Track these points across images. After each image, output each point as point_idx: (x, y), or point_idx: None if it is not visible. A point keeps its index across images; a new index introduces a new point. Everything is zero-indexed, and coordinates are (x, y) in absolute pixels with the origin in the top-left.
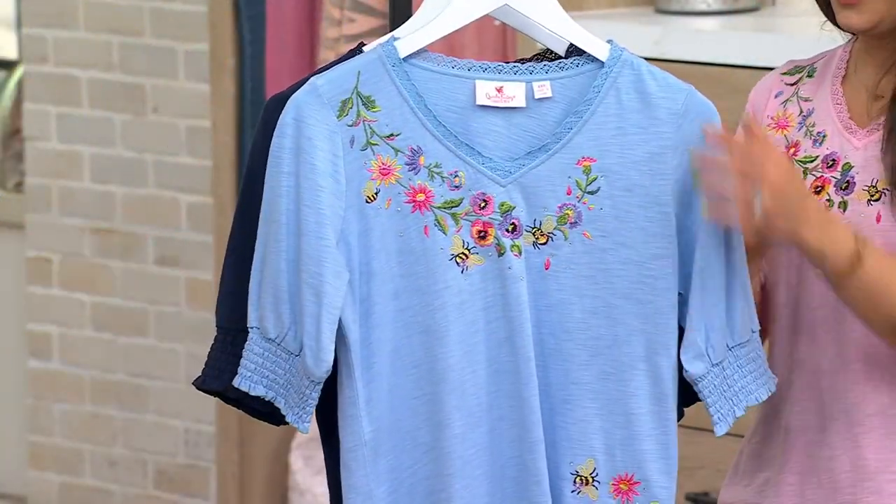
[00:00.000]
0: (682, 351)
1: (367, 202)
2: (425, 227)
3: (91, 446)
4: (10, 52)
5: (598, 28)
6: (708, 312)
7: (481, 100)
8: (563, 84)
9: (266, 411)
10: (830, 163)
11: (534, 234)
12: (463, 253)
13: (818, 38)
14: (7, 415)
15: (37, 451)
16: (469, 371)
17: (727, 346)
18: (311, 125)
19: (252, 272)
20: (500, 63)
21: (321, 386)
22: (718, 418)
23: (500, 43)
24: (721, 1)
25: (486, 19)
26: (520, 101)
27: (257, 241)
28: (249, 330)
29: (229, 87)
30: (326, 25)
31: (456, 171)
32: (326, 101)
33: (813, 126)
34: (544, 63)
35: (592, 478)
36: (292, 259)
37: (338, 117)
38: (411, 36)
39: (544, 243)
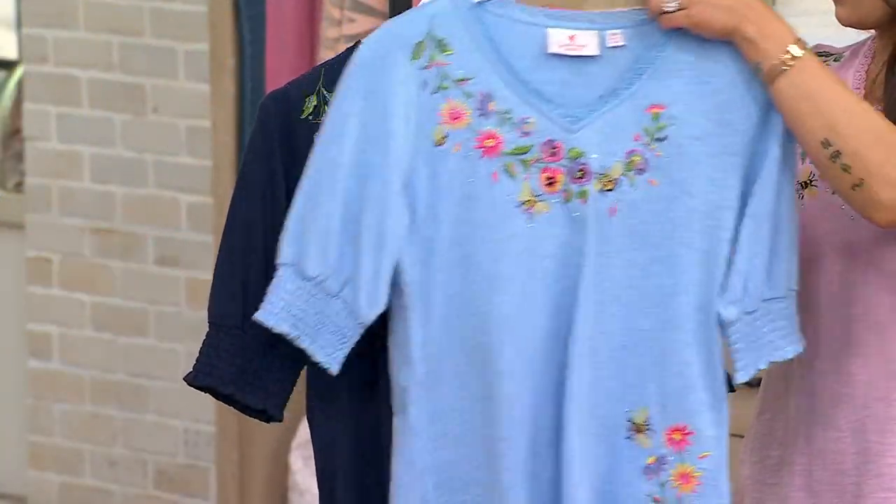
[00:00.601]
0: (717, 292)
1: (435, 146)
2: (494, 172)
3: (91, 446)
4: (10, 52)
5: None
6: (751, 261)
7: (553, 48)
8: (635, 32)
9: (258, 409)
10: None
11: (601, 181)
12: (530, 199)
13: (818, 38)
14: (7, 415)
15: (37, 451)
16: (527, 319)
17: (763, 297)
18: (382, 67)
19: (293, 210)
20: (571, 11)
21: (363, 329)
22: (742, 366)
23: None
24: None
25: None
26: (592, 50)
27: (305, 179)
28: (280, 266)
29: (229, 87)
30: (326, 25)
31: (526, 118)
32: (400, 43)
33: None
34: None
35: (646, 426)
36: (351, 200)
37: (411, 59)
38: None
39: (611, 189)
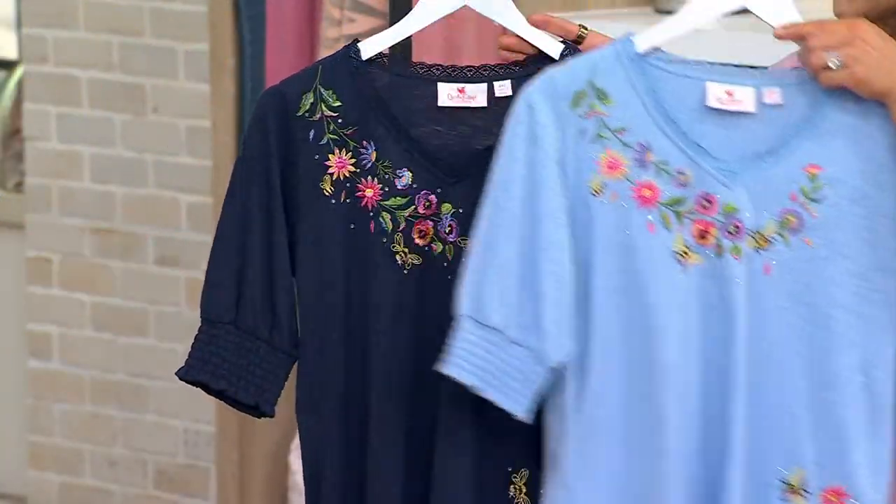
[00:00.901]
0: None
1: (592, 194)
2: (650, 223)
3: (91, 446)
4: (10, 52)
5: (598, 28)
6: None
7: (712, 102)
8: (792, 90)
9: (250, 404)
10: None
11: (755, 238)
12: (684, 251)
13: None
14: (7, 415)
15: (37, 451)
16: (683, 370)
17: None
18: (544, 113)
19: (471, 260)
20: (730, 65)
21: (551, 373)
22: None
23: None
24: None
25: (486, 20)
26: (749, 106)
27: (481, 230)
28: (461, 318)
29: (229, 87)
30: (326, 25)
31: (682, 169)
32: (561, 90)
33: None
34: (771, 69)
35: (802, 488)
36: (527, 246)
37: (570, 107)
38: (648, 33)
39: (765, 248)
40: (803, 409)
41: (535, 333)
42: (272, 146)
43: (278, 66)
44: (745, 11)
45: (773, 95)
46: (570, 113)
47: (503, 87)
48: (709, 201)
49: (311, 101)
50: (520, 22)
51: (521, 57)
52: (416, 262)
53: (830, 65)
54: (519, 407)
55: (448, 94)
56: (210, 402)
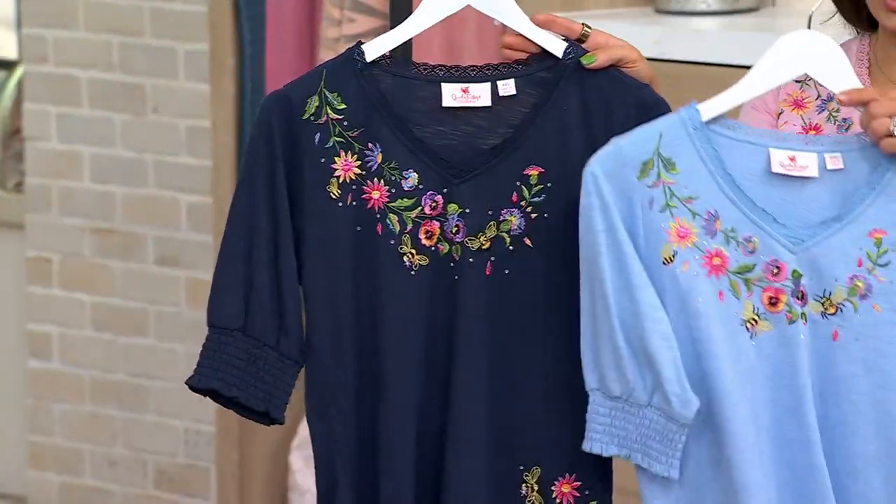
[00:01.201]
0: None
1: (663, 264)
2: (720, 291)
3: (91, 446)
4: (10, 52)
5: (597, 28)
6: None
7: (776, 167)
8: (854, 156)
9: (261, 411)
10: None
11: (822, 304)
12: (753, 318)
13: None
14: (7, 415)
15: (37, 451)
16: (754, 437)
17: None
18: (611, 183)
19: (583, 336)
20: (789, 133)
21: (689, 428)
22: None
23: (500, 44)
24: (721, 1)
25: (487, 19)
26: (812, 172)
27: (584, 304)
28: (590, 392)
29: (229, 87)
30: (326, 25)
31: (750, 237)
32: (629, 161)
33: (837, 112)
34: (830, 136)
35: None
36: (625, 313)
37: (638, 177)
38: (712, 102)
39: (833, 314)
40: (874, 475)
41: (660, 395)
42: (277, 150)
43: (278, 66)
44: (744, 12)
45: (835, 161)
46: (638, 183)
47: (507, 86)
48: (778, 268)
49: (317, 104)
50: (522, 20)
51: (524, 56)
52: (423, 262)
53: (894, 132)
54: (669, 468)
55: (452, 95)
56: (210, 402)
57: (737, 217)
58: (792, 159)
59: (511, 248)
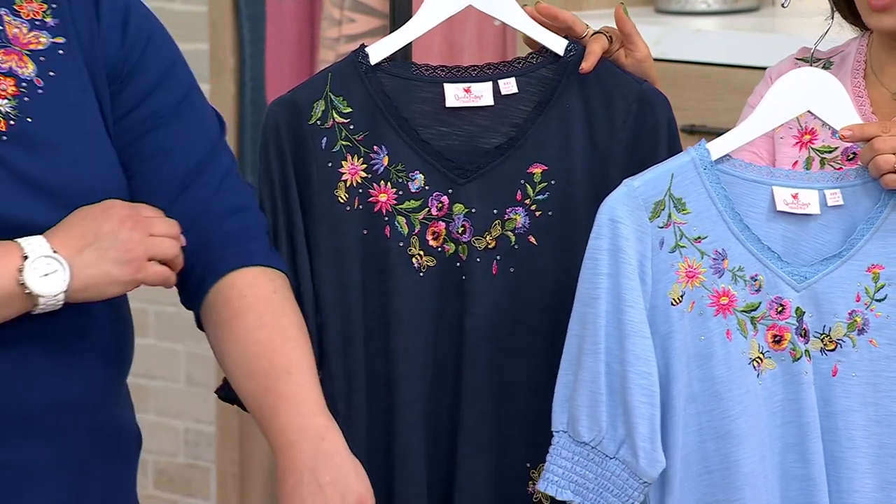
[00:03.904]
0: None
1: (672, 304)
2: (727, 330)
3: None
4: None
5: (598, 28)
6: None
7: (780, 206)
8: (853, 191)
9: None
10: (851, 155)
11: (822, 340)
12: (759, 357)
13: (817, 38)
14: None
15: None
16: (762, 477)
17: None
18: (626, 226)
19: (560, 375)
20: (791, 171)
21: (648, 488)
22: None
23: (500, 43)
24: (721, 1)
25: (486, 20)
26: (814, 209)
27: (569, 345)
28: (555, 433)
29: (229, 87)
30: (326, 25)
31: (756, 275)
32: (641, 202)
33: None
34: (832, 171)
35: None
36: (613, 360)
37: (650, 218)
38: (721, 141)
39: (832, 350)
40: None
41: (628, 448)
42: (286, 155)
43: (278, 66)
44: (744, 12)
45: (834, 197)
46: (649, 224)
47: (508, 85)
48: (782, 306)
49: (323, 108)
50: (524, 19)
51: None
52: (430, 263)
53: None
54: None
55: (455, 95)
56: (211, 402)
57: (744, 256)
58: (794, 196)
59: (516, 246)
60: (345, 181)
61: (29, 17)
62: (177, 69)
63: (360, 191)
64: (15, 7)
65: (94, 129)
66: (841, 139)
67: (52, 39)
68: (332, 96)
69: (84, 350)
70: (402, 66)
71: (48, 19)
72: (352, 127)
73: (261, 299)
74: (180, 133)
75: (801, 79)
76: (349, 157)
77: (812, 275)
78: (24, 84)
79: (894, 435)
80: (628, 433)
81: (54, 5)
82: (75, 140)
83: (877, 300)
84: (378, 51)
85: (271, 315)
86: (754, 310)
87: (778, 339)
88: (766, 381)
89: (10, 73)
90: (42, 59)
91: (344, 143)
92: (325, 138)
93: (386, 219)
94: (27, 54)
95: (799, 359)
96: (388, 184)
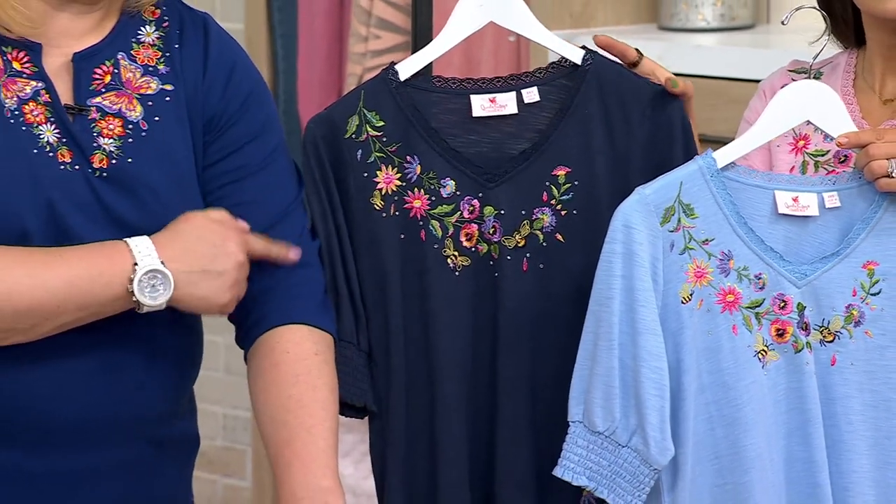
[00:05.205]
0: None
1: (682, 303)
2: (733, 325)
3: None
4: None
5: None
6: None
7: (782, 209)
8: (849, 193)
9: (359, 406)
10: (843, 157)
11: (821, 332)
12: (763, 350)
13: (809, 53)
14: None
15: None
16: (768, 460)
17: None
18: (639, 231)
19: (576, 370)
20: (792, 175)
21: (658, 473)
22: None
23: (514, 58)
24: (719, 18)
25: (502, 36)
26: (813, 211)
27: (584, 343)
28: (571, 424)
29: None
30: (354, 42)
31: (760, 274)
32: (653, 208)
33: None
34: (830, 175)
35: None
36: (626, 356)
37: (661, 224)
38: (726, 150)
39: (831, 341)
40: (868, 488)
41: (640, 437)
42: (326, 166)
43: (309, 79)
44: (740, 29)
45: (832, 199)
46: (660, 229)
47: (531, 94)
48: (784, 302)
49: (357, 123)
50: (542, 32)
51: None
52: (465, 263)
53: (891, 173)
54: None
55: (481, 105)
56: (246, 390)
57: (748, 256)
58: (795, 200)
59: (544, 244)
60: (380, 190)
61: (143, 63)
62: (269, 126)
63: (396, 198)
64: (132, 52)
65: (187, 175)
66: (837, 146)
67: (161, 86)
68: (366, 111)
69: (159, 365)
70: (429, 81)
71: (160, 66)
72: (385, 139)
73: (301, 358)
74: (263, 187)
75: (800, 91)
76: (383, 168)
77: (812, 272)
78: (130, 126)
79: (890, 419)
80: (640, 423)
81: (168, 53)
82: (169, 184)
83: (872, 294)
84: (407, 67)
85: (307, 374)
86: (758, 306)
87: (781, 333)
88: (770, 372)
89: (118, 115)
90: (150, 103)
91: (378, 154)
92: (360, 151)
93: (421, 223)
94: (137, 98)
95: (801, 350)
96: (422, 190)
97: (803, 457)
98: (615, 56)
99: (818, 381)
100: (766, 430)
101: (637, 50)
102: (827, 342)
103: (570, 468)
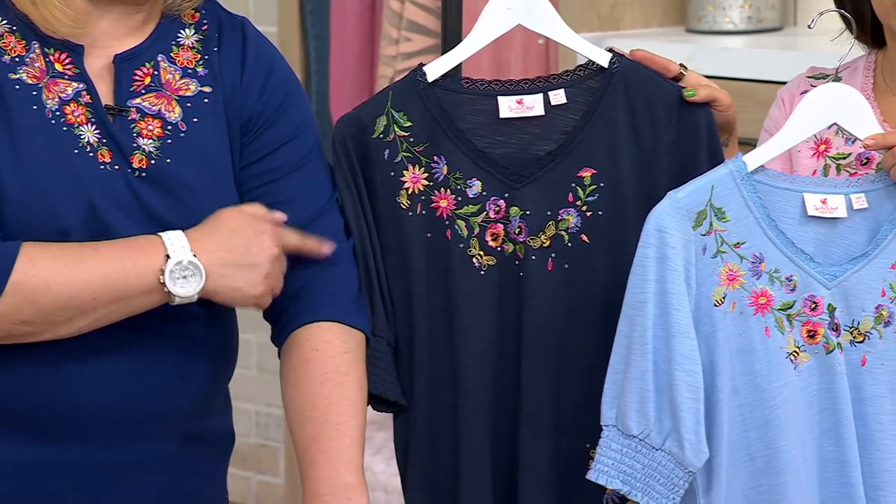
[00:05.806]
0: None
1: (715, 306)
2: (766, 328)
3: None
4: None
5: (632, 46)
6: None
7: (811, 211)
8: (878, 195)
9: (392, 401)
10: (865, 160)
11: (851, 333)
12: (795, 351)
13: (836, 55)
14: None
15: None
16: (801, 461)
17: None
18: (672, 235)
19: (610, 374)
20: (819, 178)
21: (693, 476)
22: None
23: (543, 60)
24: (746, 21)
25: (531, 39)
26: (841, 212)
27: (618, 347)
28: (605, 427)
29: None
30: (385, 44)
31: (791, 276)
32: (685, 212)
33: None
34: (857, 177)
35: None
36: (660, 359)
37: (693, 227)
38: (755, 153)
39: (861, 342)
40: None
41: (675, 440)
42: (355, 165)
43: (341, 80)
44: (768, 31)
45: (859, 200)
46: (693, 233)
47: (557, 96)
48: (815, 303)
49: (385, 123)
50: (568, 34)
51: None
52: (490, 262)
53: None
54: None
55: (508, 107)
56: (278, 388)
57: (779, 258)
58: (823, 202)
59: (569, 244)
60: (406, 189)
61: (182, 65)
62: (305, 127)
63: (423, 198)
64: (172, 55)
65: (224, 176)
66: (864, 147)
67: (200, 88)
68: (393, 112)
69: (195, 361)
70: (457, 82)
71: (199, 69)
72: (412, 139)
73: (330, 356)
74: (299, 187)
75: (827, 94)
76: (410, 167)
77: (841, 273)
78: (169, 127)
79: None
80: (675, 426)
81: (206, 56)
82: (206, 184)
83: None
84: (435, 69)
85: (336, 372)
86: (790, 308)
87: (812, 334)
88: (802, 373)
89: (158, 115)
90: (189, 105)
91: (405, 154)
92: (387, 150)
93: (447, 223)
94: (176, 99)
95: (832, 351)
96: (448, 190)
97: (836, 457)
98: (657, 70)
99: (849, 382)
100: (799, 431)
101: (681, 65)
102: (857, 343)
103: (605, 472)
